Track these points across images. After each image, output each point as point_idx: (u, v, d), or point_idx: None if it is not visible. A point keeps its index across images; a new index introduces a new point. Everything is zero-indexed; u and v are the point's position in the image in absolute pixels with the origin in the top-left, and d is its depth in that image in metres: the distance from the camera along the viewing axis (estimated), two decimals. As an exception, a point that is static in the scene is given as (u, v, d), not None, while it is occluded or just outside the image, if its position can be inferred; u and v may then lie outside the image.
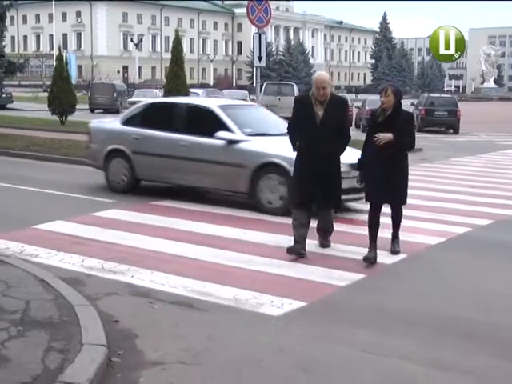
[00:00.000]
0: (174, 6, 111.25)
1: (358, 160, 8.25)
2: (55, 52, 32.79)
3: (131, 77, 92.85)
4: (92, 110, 43.83)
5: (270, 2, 18.00)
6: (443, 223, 10.33)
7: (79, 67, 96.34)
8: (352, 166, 10.08)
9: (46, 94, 30.10)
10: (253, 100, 33.51)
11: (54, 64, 28.66)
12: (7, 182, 13.24)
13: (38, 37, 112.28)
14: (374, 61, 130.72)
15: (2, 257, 7.39)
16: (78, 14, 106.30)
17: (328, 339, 5.61)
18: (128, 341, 5.39)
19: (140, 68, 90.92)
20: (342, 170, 9.85)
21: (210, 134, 11.21)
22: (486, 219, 10.83)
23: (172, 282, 6.99)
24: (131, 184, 12.37)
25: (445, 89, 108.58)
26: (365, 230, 8.14)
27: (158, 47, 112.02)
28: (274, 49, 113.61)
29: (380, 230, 8.03)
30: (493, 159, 21.40)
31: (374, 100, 31.01)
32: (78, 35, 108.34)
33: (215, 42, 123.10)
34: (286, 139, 8.94)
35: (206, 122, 11.72)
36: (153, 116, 12.67)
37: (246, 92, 44.59)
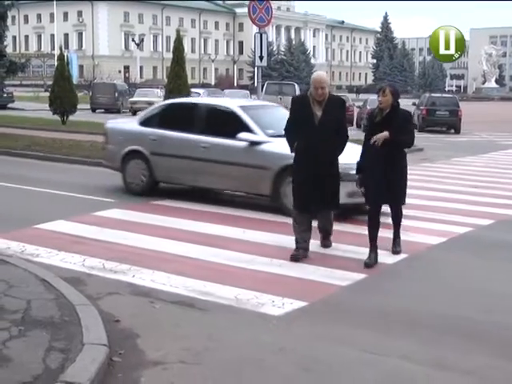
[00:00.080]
0: (175, 6, 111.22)
1: (358, 163, 8.13)
2: (56, 52, 32.81)
3: (132, 76, 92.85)
4: (93, 110, 43.86)
5: (271, 1, 17.98)
6: (444, 223, 10.32)
7: (80, 67, 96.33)
8: None
9: (48, 94, 30.10)
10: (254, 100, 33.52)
11: (56, 64, 28.62)
12: (8, 181, 13.25)
13: (39, 36, 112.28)
14: (375, 61, 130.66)
15: (4, 256, 7.40)
16: (80, 13, 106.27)
17: (329, 339, 5.61)
18: (129, 340, 5.40)
19: (141, 68, 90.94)
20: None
21: (232, 135, 10.98)
22: (488, 219, 10.82)
23: (173, 281, 6.99)
24: (149, 186, 12.14)
25: (446, 89, 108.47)
26: (366, 230, 8.12)
27: (160, 47, 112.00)
28: (275, 48, 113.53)
29: (380, 229, 8.02)
30: (494, 159, 21.38)
31: (375, 100, 30.86)
32: (80, 35, 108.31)
33: (216, 41, 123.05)
34: None
35: (226, 122, 11.52)
36: (172, 117, 12.37)
37: (248, 92, 44.57)
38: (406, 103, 33.58)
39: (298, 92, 32.81)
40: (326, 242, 8.52)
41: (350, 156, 10.03)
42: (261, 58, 17.72)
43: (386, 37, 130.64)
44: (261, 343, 5.47)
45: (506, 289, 7.28)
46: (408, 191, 8.28)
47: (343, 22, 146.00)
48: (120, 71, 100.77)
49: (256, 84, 20.73)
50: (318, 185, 7.91)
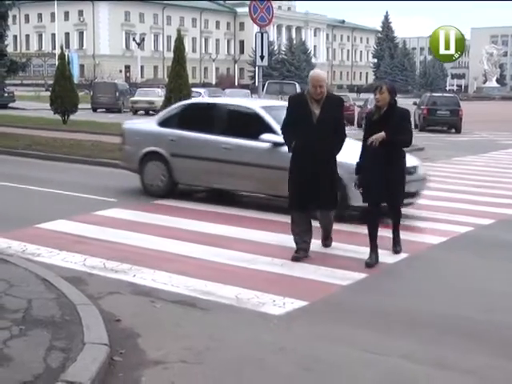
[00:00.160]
0: (176, 5, 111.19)
1: (357, 163, 8.07)
2: (57, 51, 32.78)
3: (133, 76, 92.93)
4: (94, 110, 43.89)
5: (272, 1, 18.00)
6: (445, 222, 10.32)
7: (81, 66, 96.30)
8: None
9: (48, 93, 30.11)
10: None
11: (56, 63, 28.60)
12: (9, 181, 13.25)
13: (40, 36, 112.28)
14: (376, 60, 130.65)
15: (4, 256, 7.40)
16: (81, 13, 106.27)
17: (330, 339, 5.61)
18: (130, 340, 5.40)
19: (142, 67, 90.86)
20: None
21: (254, 137, 10.73)
22: (488, 219, 10.82)
23: (174, 281, 6.99)
24: (168, 188, 11.90)
25: (447, 88, 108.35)
26: (366, 230, 8.10)
27: (160, 46, 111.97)
28: (276, 48, 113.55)
29: (380, 229, 8.00)
30: (495, 158, 21.38)
31: (375, 99, 30.96)
32: (81, 34, 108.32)
33: (217, 41, 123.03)
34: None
35: (249, 123, 11.30)
36: (192, 117, 12.11)
37: (248, 91, 44.60)
38: (406, 103, 33.66)
39: (298, 91, 32.76)
40: (326, 242, 8.48)
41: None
42: (262, 57, 17.73)
43: (386, 36, 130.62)
44: (261, 343, 5.47)
45: (506, 288, 7.28)
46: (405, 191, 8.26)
47: (344, 21, 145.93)
48: (121, 71, 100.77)
49: (257, 83, 20.74)
50: (315, 184, 7.84)
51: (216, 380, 4.78)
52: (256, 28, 19.12)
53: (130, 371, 4.83)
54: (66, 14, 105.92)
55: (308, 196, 7.90)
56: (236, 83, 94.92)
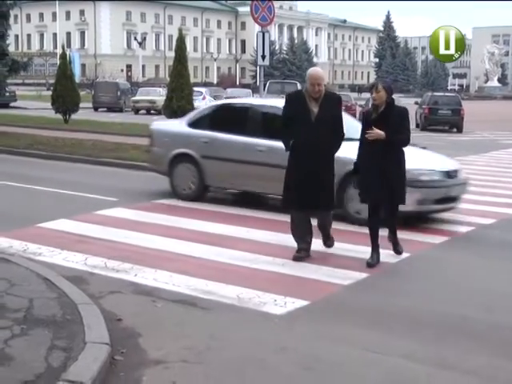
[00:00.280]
0: (177, 5, 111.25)
1: (354, 163, 7.99)
2: (59, 50, 32.73)
3: (135, 75, 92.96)
4: (96, 109, 43.89)
5: (273, 0, 17.99)
6: (447, 222, 10.32)
7: (83, 66, 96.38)
8: (446, 173, 9.92)
9: (50, 93, 30.11)
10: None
11: (58, 62, 28.58)
12: (10, 180, 13.26)
13: (41, 35, 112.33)
14: (377, 59, 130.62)
15: (6, 255, 7.41)
16: (82, 12, 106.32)
17: (331, 338, 5.61)
18: (131, 339, 5.40)
19: (143, 66, 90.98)
20: (436, 178, 9.67)
21: (280, 137, 10.41)
22: (490, 218, 10.82)
23: (175, 280, 6.99)
24: (199, 191, 11.58)
25: (448, 87, 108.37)
26: (368, 229, 8.10)
27: (162, 46, 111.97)
28: (277, 47, 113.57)
29: (382, 229, 7.98)
30: (496, 158, 21.37)
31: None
32: (82, 34, 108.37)
33: (219, 40, 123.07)
34: None
35: None
36: (224, 118, 11.70)
37: (250, 90, 44.59)
38: (408, 102, 33.61)
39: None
40: (328, 242, 8.35)
41: (419, 161, 9.93)
42: (263, 56, 17.72)
43: (388, 36, 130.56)
44: (263, 342, 5.47)
45: (507, 288, 7.28)
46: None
47: (345, 20, 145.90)
48: (122, 70, 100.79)
49: (258, 83, 20.74)
50: (313, 183, 7.74)
51: (217, 380, 4.78)
52: (257, 27, 19.13)
53: (131, 371, 4.84)
54: (68, 14, 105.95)
55: (306, 195, 7.79)
56: (237, 83, 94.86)
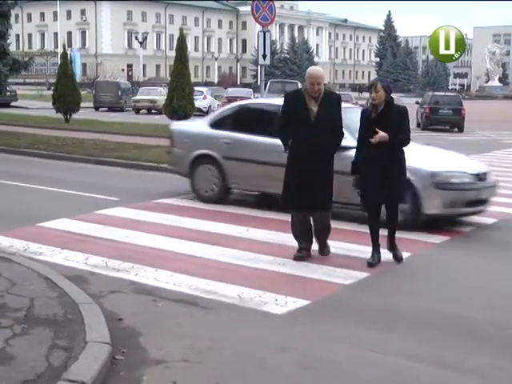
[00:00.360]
0: (178, 4, 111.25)
1: (353, 163, 7.93)
2: (60, 50, 32.83)
3: (135, 75, 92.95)
4: (96, 108, 43.90)
5: (274, 0, 18.00)
6: (447, 222, 10.30)
7: (84, 65, 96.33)
8: (477, 176, 9.77)
9: (51, 92, 30.13)
10: (257, 98, 33.50)
11: (59, 62, 28.63)
12: (11, 179, 13.26)
13: (42, 35, 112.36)
14: (378, 59, 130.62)
15: (7, 254, 7.41)
16: (83, 12, 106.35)
17: (332, 338, 5.61)
18: (132, 339, 5.40)
19: (144, 66, 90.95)
20: (467, 180, 9.53)
21: None
22: (491, 218, 10.80)
23: (176, 280, 6.99)
24: (221, 193, 11.35)
25: (449, 87, 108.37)
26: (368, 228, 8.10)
27: (163, 45, 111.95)
28: (278, 47, 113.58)
29: (382, 228, 7.96)
30: (497, 158, 21.34)
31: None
32: (83, 33, 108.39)
33: (220, 40, 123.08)
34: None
35: None
36: (247, 119, 11.41)
37: (251, 90, 44.60)
38: (409, 102, 33.59)
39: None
40: (323, 249, 8.07)
41: (450, 163, 9.80)
42: (264, 56, 17.73)
43: (389, 35, 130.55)
44: (264, 342, 5.47)
45: (508, 288, 7.28)
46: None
47: (346, 20, 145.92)
48: (123, 69, 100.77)
49: (259, 82, 20.78)
50: (312, 182, 7.65)
51: (218, 379, 4.78)
52: (258, 27, 19.12)
53: (132, 370, 4.84)
54: (69, 13, 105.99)
55: (304, 195, 7.70)
56: (238, 82, 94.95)
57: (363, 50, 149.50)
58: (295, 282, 7.13)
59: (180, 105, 23.87)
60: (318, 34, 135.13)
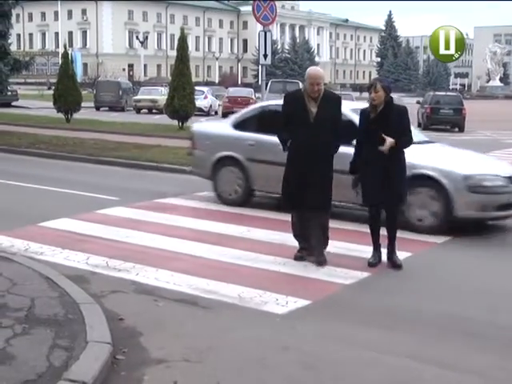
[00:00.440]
0: (179, 4, 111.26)
1: (351, 163, 7.87)
2: (61, 50, 32.85)
3: (136, 74, 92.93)
4: (97, 108, 43.91)
5: (275, 0, 17.99)
6: (449, 221, 10.28)
7: (84, 65, 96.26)
8: (509, 179, 9.63)
9: (51, 92, 30.14)
10: (258, 98, 33.52)
11: (60, 62, 28.64)
12: (12, 179, 13.26)
13: (43, 34, 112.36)
14: (379, 59, 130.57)
15: (8, 254, 7.41)
16: (84, 11, 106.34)
17: (333, 337, 5.61)
18: (132, 339, 5.40)
19: (145, 66, 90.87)
20: (500, 183, 9.38)
21: (344, 142, 9.22)
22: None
23: (177, 279, 7.00)
24: (245, 195, 11.10)
25: (450, 87, 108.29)
26: (369, 228, 8.09)
27: (164, 45, 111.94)
28: (279, 47, 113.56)
29: (383, 228, 7.95)
30: (498, 157, 21.28)
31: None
32: (84, 33, 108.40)
33: (221, 39, 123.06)
34: (433, 148, 8.03)
35: None
36: (271, 120, 10.61)
37: (252, 90, 44.59)
38: (409, 101, 33.62)
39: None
40: (319, 259, 7.75)
41: (482, 166, 9.73)
42: (265, 56, 17.72)
43: (390, 35, 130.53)
44: (264, 341, 5.47)
45: (510, 289, 7.28)
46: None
47: (347, 20, 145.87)
48: (124, 69, 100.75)
49: (260, 82, 20.76)
50: (311, 183, 7.56)
51: (218, 379, 4.78)
52: (259, 27, 19.11)
53: (133, 370, 4.84)
54: (70, 13, 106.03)
55: (303, 196, 7.62)
56: (239, 82, 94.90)
57: (364, 50, 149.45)
58: (296, 282, 7.13)
59: (181, 104, 23.89)
60: (318, 33, 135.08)
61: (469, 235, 9.61)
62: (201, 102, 35.92)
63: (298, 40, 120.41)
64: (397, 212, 7.91)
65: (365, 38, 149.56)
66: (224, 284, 6.88)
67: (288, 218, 8.26)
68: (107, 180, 13.92)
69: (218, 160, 11.32)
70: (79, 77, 48.10)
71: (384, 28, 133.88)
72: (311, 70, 7.74)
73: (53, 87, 32.56)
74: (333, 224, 8.18)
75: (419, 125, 33.76)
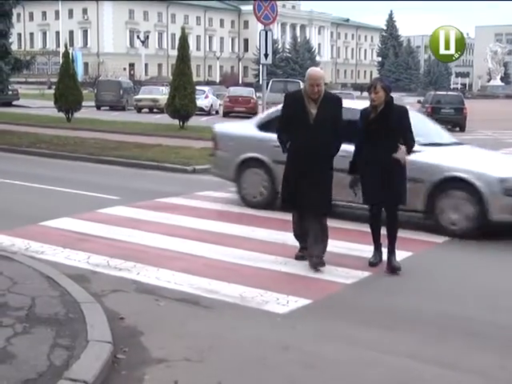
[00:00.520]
0: (180, 3, 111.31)
1: (350, 163, 7.80)
2: (61, 49, 32.88)
3: (137, 74, 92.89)
4: (98, 107, 43.89)
5: (276, -1, 18.02)
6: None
7: (85, 64, 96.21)
8: None
9: (52, 91, 30.15)
10: (259, 98, 33.48)
11: (61, 61, 28.66)
12: (13, 178, 13.26)
13: (44, 34, 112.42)
14: (380, 58, 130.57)
15: (8, 253, 7.41)
16: (85, 11, 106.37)
17: (333, 337, 5.61)
18: (133, 338, 5.40)
19: (146, 65, 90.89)
20: None
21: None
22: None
23: (178, 279, 6.99)
24: (270, 198, 10.75)
25: (451, 86, 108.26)
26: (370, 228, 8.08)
27: (165, 44, 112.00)
28: (280, 46, 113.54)
29: (384, 227, 7.93)
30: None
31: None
32: (85, 32, 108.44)
33: (221, 39, 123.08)
34: (463, 149, 7.96)
35: None
36: None
37: (253, 89, 44.60)
38: (411, 101, 33.58)
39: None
40: (316, 261, 7.52)
41: None
42: (266, 55, 17.73)
43: (391, 34, 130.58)
44: (265, 341, 5.47)
45: (511, 288, 7.27)
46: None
47: (348, 19, 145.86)
48: (125, 68, 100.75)
49: (261, 82, 20.76)
50: (309, 186, 7.42)
51: (219, 378, 4.77)
52: (260, 26, 19.11)
53: (134, 369, 4.84)
54: (70, 12, 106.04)
55: (301, 198, 7.50)
56: (240, 81, 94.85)
57: (365, 50, 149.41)
58: (297, 282, 7.13)
59: (182, 104, 23.89)
60: (319, 33, 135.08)
61: (470, 234, 9.59)
62: (202, 102, 35.92)
63: (298, 39, 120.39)
64: (396, 214, 7.79)
65: (366, 37, 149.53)
66: (225, 283, 6.87)
67: (289, 217, 8.25)
68: (108, 179, 13.91)
69: (242, 161, 11.04)
70: (80, 76, 48.08)
71: (385, 27, 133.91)
72: (311, 70, 7.65)
73: (53, 86, 32.57)
74: (334, 223, 8.18)
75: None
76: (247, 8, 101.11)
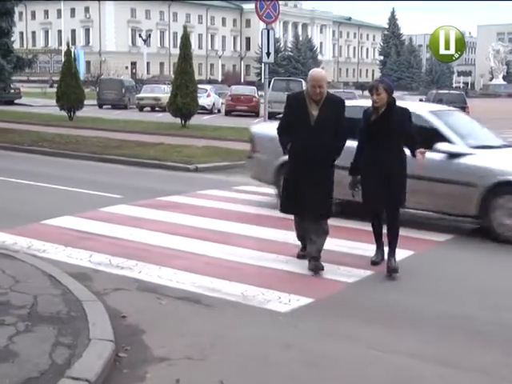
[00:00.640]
0: (182, 2, 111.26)
1: (352, 164, 7.71)
2: (63, 48, 32.84)
3: (139, 72, 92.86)
4: (100, 106, 43.90)
5: (278, -2, 18.03)
6: (451, 220, 10.28)
7: (87, 63, 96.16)
8: None
9: (54, 90, 30.17)
10: (261, 96, 33.49)
11: (63, 60, 28.67)
12: (15, 177, 13.27)
13: (46, 32, 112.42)
14: (382, 57, 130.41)
15: (10, 252, 7.42)
16: (87, 9, 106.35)
17: (335, 336, 5.61)
18: (135, 336, 5.41)
19: (148, 64, 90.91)
20: None
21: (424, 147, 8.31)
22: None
23: (180, 277, 7.00)
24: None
25: (453, 85, 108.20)
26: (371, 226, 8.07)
27: (167, 43, 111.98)
28: (282, 45, 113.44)
29: (385, 227, 7.92)
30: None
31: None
32: (87, 31, 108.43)
33: (223, 37, 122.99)
34: None
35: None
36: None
37: (255, 88, 44.57)
38: (413, 100, 33.49)
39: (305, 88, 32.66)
40: (316, 264, 7.40)
41: None
42: (268, 54, 17.75)
43: (393, 33, 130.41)
44: (267, 339, 5.47)
45: (512, 286, 7.28)
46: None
47: (350, 18, 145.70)
48: (127, 67, 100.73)
49: (263, 80, 20.76)
50: (309, 189, 7.33)
51: (221, 377, 4.78)
52: (262, 25, 19.13)
53: (135, 367, 4.84)
54: (73, 11, 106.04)
55: (301, 202, 7.42)
56: (242, 80, 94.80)
57: (367, 48, 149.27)
58: (299, 280, 7.13)
59: (184, 102, 23.90)
60: (321, 32, 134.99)
61: (470, 233, 9.60)
62: (204, 100, 35.94)
63: (300, 38, 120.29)
64: (397, 217, 7.67)
65: (368, 36, 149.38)
66: (227, 282, 6.88)
67: (291, 216, 8.23)
68: (110, 178, 13.92)
69: (281, 164, 10.15)
70: (82, 75, 48.06)
71: (387, 26, 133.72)
72: (313, 71, 7.58)
73: (55, 85, 32.57)
74: (336, 222, 8.17)
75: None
76: (249, 7, 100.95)
